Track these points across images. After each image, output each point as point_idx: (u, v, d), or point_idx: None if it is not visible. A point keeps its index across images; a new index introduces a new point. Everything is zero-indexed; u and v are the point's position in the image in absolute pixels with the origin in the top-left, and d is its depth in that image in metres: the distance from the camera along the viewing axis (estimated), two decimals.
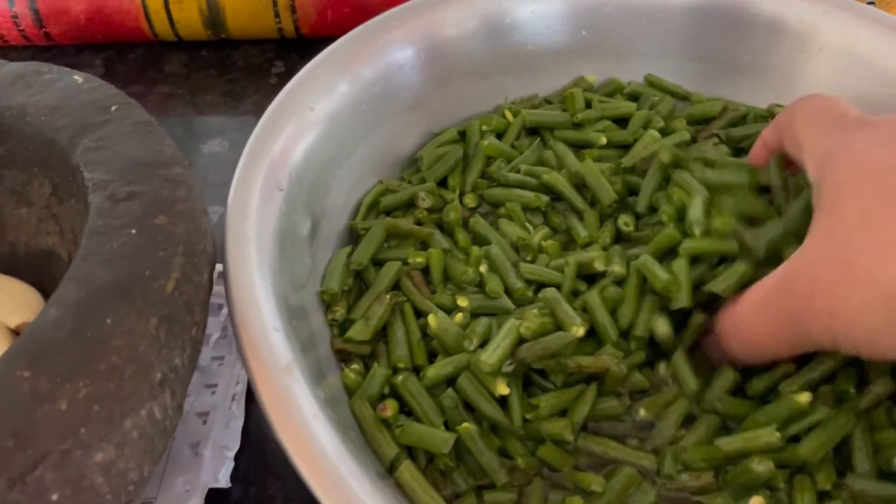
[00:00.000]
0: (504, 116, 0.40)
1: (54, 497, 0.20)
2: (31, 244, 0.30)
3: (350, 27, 0.50)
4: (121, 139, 0.26)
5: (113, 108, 0.27)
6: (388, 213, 0.36)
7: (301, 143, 0.34)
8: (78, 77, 0.29)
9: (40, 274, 0.30)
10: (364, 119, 0.36)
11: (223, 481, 0.30)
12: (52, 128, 0.27)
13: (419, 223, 0.35)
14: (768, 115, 0.41)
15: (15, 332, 0.28)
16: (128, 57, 0.52)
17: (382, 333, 0.31)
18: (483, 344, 0.29)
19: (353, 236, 0.36)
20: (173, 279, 0.23)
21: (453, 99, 0.40)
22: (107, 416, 0.21)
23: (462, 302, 0.31)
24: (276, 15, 0.50)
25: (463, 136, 0.40)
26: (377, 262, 0.34)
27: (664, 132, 0.39)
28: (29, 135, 0.27)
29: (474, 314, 0.31)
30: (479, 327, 0.30)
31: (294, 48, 0.53)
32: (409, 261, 0.33)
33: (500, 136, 0.39)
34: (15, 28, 0.49)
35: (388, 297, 0.31)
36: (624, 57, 0.43)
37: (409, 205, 0.36)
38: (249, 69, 0.52)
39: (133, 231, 0.23)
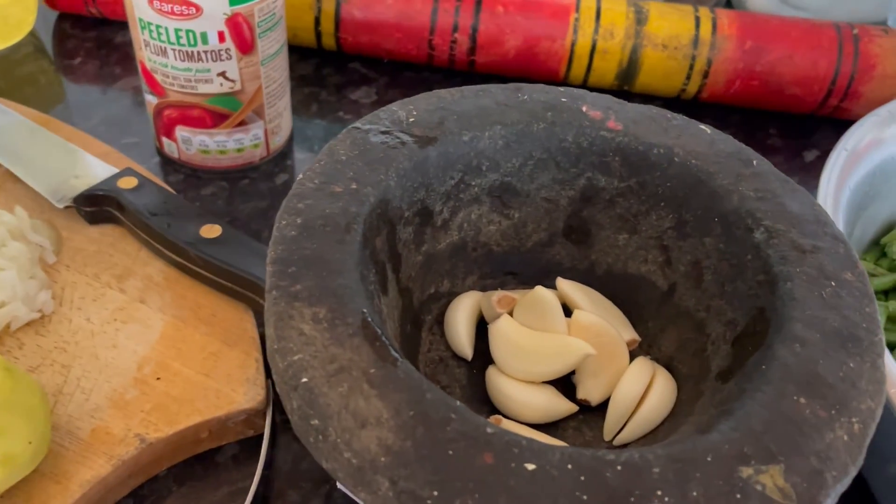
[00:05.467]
0: None
1: None
2: (615, 266, 0.33)
3: (750, 99, 0.53)
4: (777, 193, 0.29)
5: (755, 161, 0.30)
6: None
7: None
8: (704, 127, 0.32)
9: (615, 294, 0.33)
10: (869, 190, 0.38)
11: None
12: (704, 171, 0.30)
13: None
14: None
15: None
16: None
17: None
18: None
19: None
20: (882, 336, 0.25)
21: None
22: None
23: None
24: (688, 78, 0.53)
25: None
26: None
27: None
28: (672, 173, 0.30)
29: None
30: None
31: (683, 109, 0.56)
32: None
33: None
34: (448, 51, 0.54)
35: None
36: None
37: (889, 290, 0.38)
38: None
39: (833, 284, 0.26)
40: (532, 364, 0.29)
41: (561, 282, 0.31)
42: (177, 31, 0.39)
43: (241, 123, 0.44)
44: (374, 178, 0.27)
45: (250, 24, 0.40)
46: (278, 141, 0.47)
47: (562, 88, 0.33)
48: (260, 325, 0.36)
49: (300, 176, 0.27)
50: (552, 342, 0.29)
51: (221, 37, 0.40)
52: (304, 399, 0.22)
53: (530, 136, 0.31)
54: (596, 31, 0.52)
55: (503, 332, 0.29)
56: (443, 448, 0.21)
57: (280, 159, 0.47)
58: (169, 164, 0.46)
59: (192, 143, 0.44)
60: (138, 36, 0.41)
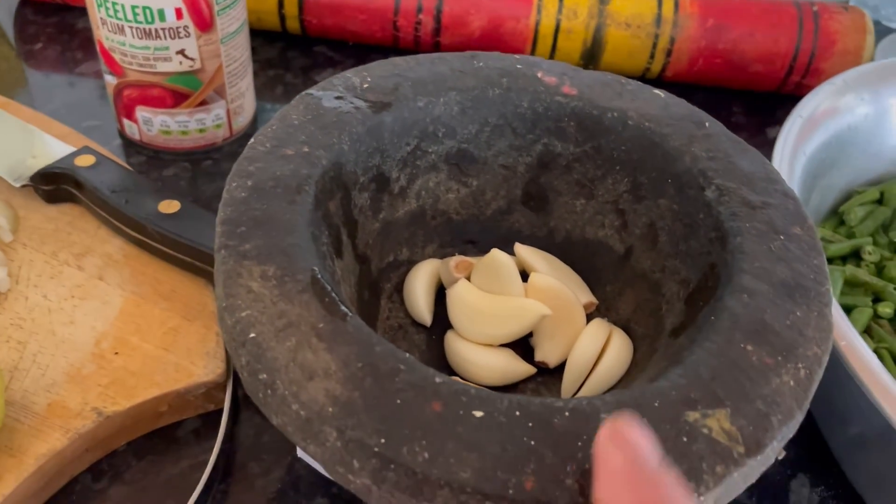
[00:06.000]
0: None
1: None
2: (573, 233, 0.33)
3: (713, 77, 0.54)
4: (728, 153, 0.29)
5: (706, 123, 0.30)
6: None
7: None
8: (658, 91, 0.32)
9: (574, 260, 0.33)
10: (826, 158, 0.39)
11: None
12: (657, 133, 0.30)
13: None
14: None
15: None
16: None
17: None
18: None
19: None
20: (829, 286, 0.25)
21: (878, 160, 0.42)
22: None
23: None
24: (651, 56, 0.53)
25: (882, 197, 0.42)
26: None
27: None
28: (627, 136, 0.30)
29: None
30: None
31: None
32: (879, 311, 0.35)
33: None
34: (413, 32, 0.54)
35: None
36: None
37: (847, 256, 0.38)
38: None
39: (782, 237, 0.26)
40: (489, 327, 0.29)
41: (519, 247, 0.32)
42: (133, 7, 0.39)
43: (203, 103, 0.43)
44: (327, 141, 0.27)
45: (208, 1, 0.40)
46: (241, 122, 0.46)
47: (517, 56, 0.33)
48: None
49: (251, 140, 0.27)
50: (509, 304, 0.29)
51: (179, 13, 0.39)
52: (253, 354, 0.21)
53: (486, 102, 0.31)
54: (559, 10, 0.52)
55: (461, 296, 0.29)
56: (391, 398, 0.21)
57: (243, 140, 0.47)
58: (131, 147, 0.46)
59: (153, 123, 0.44)
60: (95, 14, 0.40)
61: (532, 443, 0.20)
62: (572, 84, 0.32)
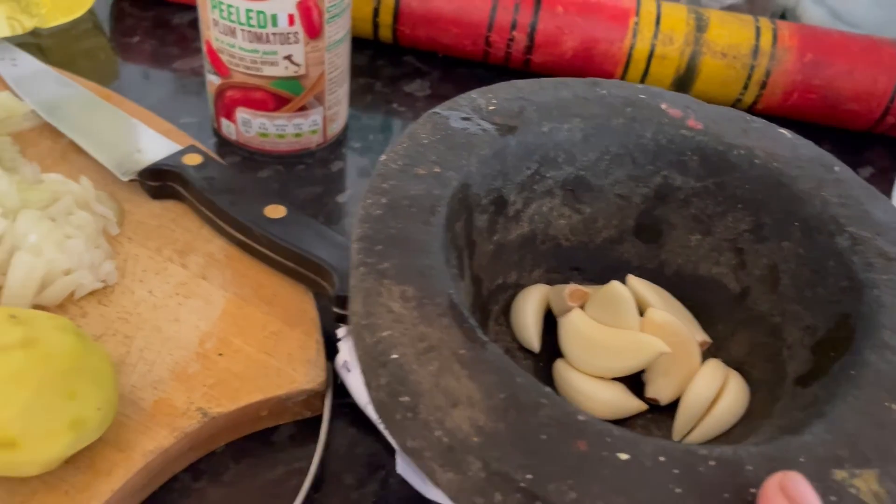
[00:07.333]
0: None
1: None
2: (685, 268, 0.32)
3: (805, 113, 0.53)
4: (860, 200, 0.28)
5: (836, 167, 0.30)
6: None
7: None
8: (784, 131, 0.31)
9: (684, 296, 0.32)
10: None
11: None
12: (786, 175, 0.29)
13: None
14: None
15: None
16: None
17: None
18: None
19: None
20: None
21: None
22: None
23: None
24: (745, 87, 0.52)
25: None
26: None
27: None
28: (754, 175, 0.30)
29: None
30: None
31: None
32: None
33: None
34: (504, 49, 0.53)
35: None
36: None
37: None
38: None
39: None
40: (604, 359, 0.28)
41: (632, 279, 0.31)
42: (248, 11, 0.39)
43: (302, 108, 0.44)
44: (457, 162, 0.27)
45: (320, 9, 0.40)
46: (335, 128, 0.47)
47: (639, 85, 0.33)
48: (320, 307, 0.35)
49: (382, 157, 0.27)
50: (626, 338, 0.28)
51: (291, 20, 0.40)
52: (394, 375, 0.21)
53: (608, 131, 0.31)
54: (655, 35, 0.52)
55: (575, 326, 0.29)
56: (535, 433, 0.20)
57: (335, 147, 0.47)
58: (225, 146, 0.46)
59: (251, 125, 0.44)
60: (207, 15, 0.41)
61: (678, 490, 0.20)
62: (697, 118, 0.31)
